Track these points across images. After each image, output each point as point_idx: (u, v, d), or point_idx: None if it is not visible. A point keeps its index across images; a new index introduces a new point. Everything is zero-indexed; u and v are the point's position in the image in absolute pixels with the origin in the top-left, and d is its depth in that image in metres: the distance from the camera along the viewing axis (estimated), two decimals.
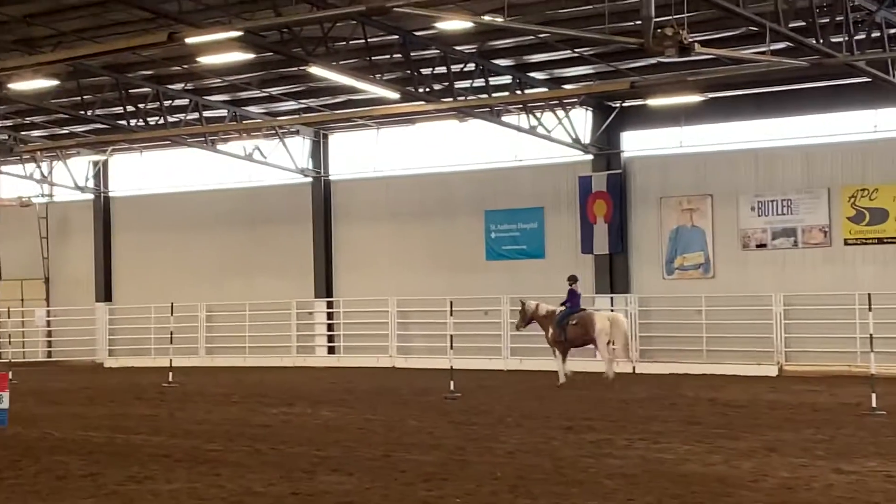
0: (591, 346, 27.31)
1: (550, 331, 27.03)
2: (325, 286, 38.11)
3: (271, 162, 37.48)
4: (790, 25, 22.23)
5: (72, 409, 23.74)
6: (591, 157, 33.76)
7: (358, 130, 37.84)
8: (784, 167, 31.57)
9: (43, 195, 43.68)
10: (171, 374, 29.82)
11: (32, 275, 44.21)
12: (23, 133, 40.01)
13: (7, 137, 39.18)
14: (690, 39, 19.52)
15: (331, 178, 38.51)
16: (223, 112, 35.59)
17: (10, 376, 22.31)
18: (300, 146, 38.01)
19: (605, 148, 33.56)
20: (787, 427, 18.48)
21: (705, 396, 23.93)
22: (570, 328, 26.68)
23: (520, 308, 27.86)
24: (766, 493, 12.72)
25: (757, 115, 31.88)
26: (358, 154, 38.09)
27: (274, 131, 36.53)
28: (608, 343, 26.58)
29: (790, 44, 23.64)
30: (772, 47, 22.91)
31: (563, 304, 27.33)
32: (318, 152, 38.41)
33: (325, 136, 38.54)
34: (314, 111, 35.61)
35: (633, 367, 31.43)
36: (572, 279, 27.65)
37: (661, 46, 19.37)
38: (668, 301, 32.49)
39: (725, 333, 31.13)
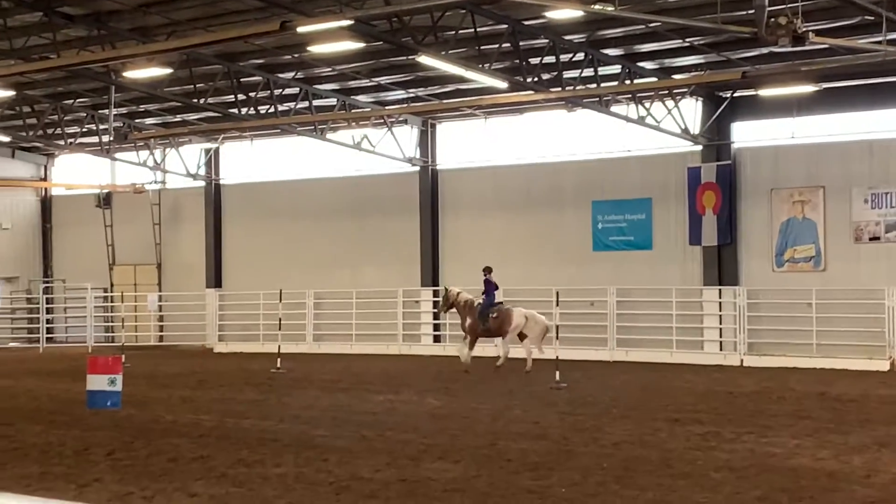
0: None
1: (468, 320, 28.52)
2: (431, 275, 38.24)
3: (379, 151, 37.66)
4: None
5: (183, 392, 24.11)
6: (700, 147, 33.43)
7: (466, 120, 37.87)
8: None
9: (156, 182, 44.38)
10: (279, 360, 30.11)
11: (145, 260, 44.96)
12: (137, 121, 40.71)
13: (122, 125, 39.87)
14: (804, 29, 19.27)
15: (438, 167, 38.61)
16: (332, 101, 35.87)
17: (124, 360, 22.78)
18: (408, 135, 38.14)
19: (714, 139, 33.21)
20: None
21: (815, 391, 23.60)
22: (490, 320, 28.11)
23: (442, 294, 29.69)
24: (879, 488, 12.53)
25: (872, 105, 31.32)
26: (465, 143, 38.12)
27: (382, 120, 36.71)
28: (519, 337, 28.21)
29: None
30: (888, 37, 22.53)
31: (483, 295, 28.56)
32: (426, 141, 38.52)
33: (433, 126, 38.63)
34: (422, 100, 35.73)
35: (741, 361, 31.13)
36: (487, 270, 28.89)
37: (775, 36, 19.15)
38: (778, 294, 32.08)
39: (836, 327, 30.61)
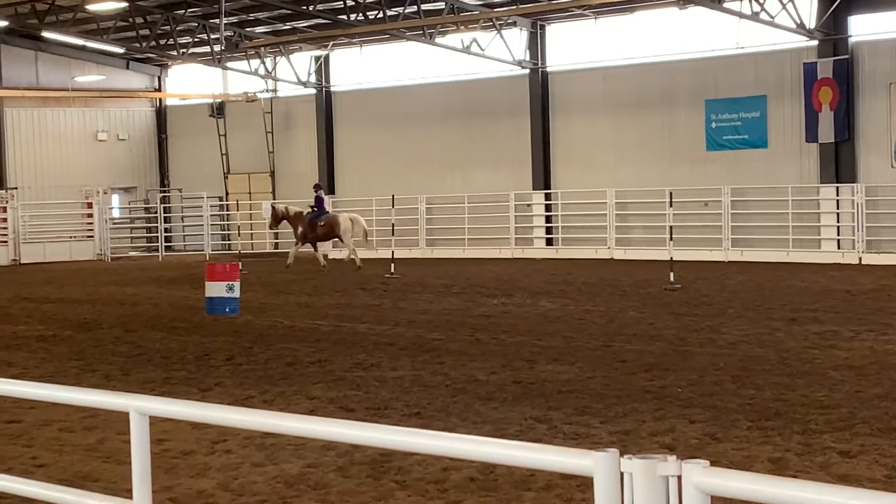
0: (334, 240, 33.84)
1: (300, 229, 32.60)
2: (542, 178, 38.11)
3: (489, 54, 37.42)
4: None
5: (299, 298, 24.41)
6: (816, 42, 32.69)
7: (575, 20, 37.44)
8: None
9: (267, 90, 44.67)
10: (392, 265, 30.32)
11: (259, 168, 45.42)
12: (247, 29, 40.92)
13: (232, 34, 40.10)
14: None
15: (548, 69, 38.29)
16: (440, 5, 35.65)
17: (241, 267, 23.10)
18: (517, 38, 37.82)
19: (831, 33, 32.43)
20: None
21: None
22: (319, 228, 32.40)
23: (269, 212, 33.43)
24: None
25: None
26: (575, 45, 37.72)
27: (491, 23, 36.43)
28: (351, 238, 32.41)
29: None
30: None
31: (311, 208, 32.69)
32: (536, 43, 38.17)
33: (543, 27, 38.25)
34: (531, 1, 35.37)
35: (860, 259, 30.67)
36: (317, 187, 33.71)
37: None
38: None
39: None
